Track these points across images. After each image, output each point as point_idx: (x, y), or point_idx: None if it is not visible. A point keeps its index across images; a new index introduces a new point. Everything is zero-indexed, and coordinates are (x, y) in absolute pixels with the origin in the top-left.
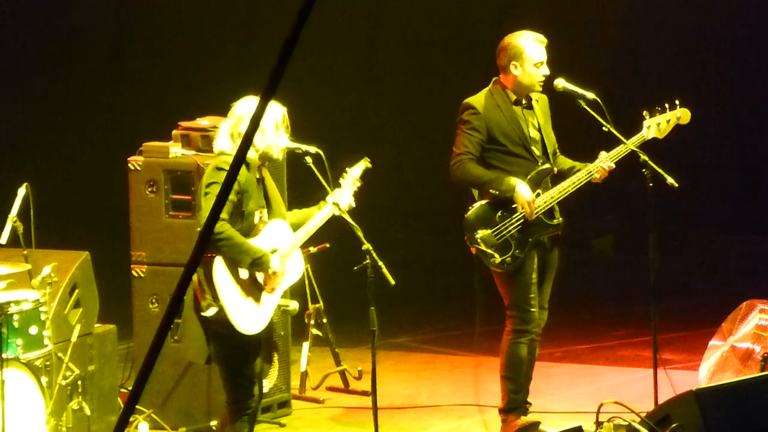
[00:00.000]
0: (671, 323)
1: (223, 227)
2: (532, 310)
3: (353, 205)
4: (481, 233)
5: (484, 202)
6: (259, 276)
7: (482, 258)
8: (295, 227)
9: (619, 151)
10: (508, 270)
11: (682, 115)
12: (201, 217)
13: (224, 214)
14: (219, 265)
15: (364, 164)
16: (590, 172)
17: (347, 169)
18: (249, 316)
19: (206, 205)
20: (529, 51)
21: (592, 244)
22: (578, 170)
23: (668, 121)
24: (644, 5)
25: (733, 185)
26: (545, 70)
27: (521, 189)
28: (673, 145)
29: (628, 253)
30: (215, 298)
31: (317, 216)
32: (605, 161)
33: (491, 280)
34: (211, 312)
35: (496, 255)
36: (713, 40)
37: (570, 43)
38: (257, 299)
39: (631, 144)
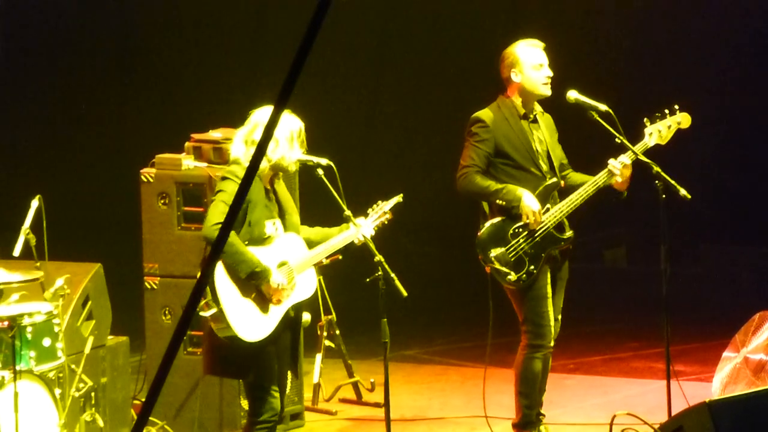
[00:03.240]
0: (684, 335)
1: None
2: (548, 324)
3: (370, 236)
4: (494, 252)
5: (496, 220)
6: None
7: (497, 276)
8: (312, 244)
9: (631, 154)
10: (523, 286)
11: (682, 120)
12: (205, 222)
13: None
14: (219, 268)
15: (397, 199)
16: (596, 183)
17: (380, 201)
18: (250, 323)
19: (211, 212)
20: (524, 55)
21: (604, 255)
22: (586, 182)
23: (669, 127)
24: (653, 12)
25: (745, 196)
26: (547, 71)
27: (527, 199)
28: (685, 157)
29: (641, 265)
30: (215, 300)
31: (336, 238)
32: (617, 161)
33: (504, 295)
34: (210, 312)
35: (512, 273)
36: (727, 47)
37: (579, 51)
38: (262, 308)
39: (638, 153)
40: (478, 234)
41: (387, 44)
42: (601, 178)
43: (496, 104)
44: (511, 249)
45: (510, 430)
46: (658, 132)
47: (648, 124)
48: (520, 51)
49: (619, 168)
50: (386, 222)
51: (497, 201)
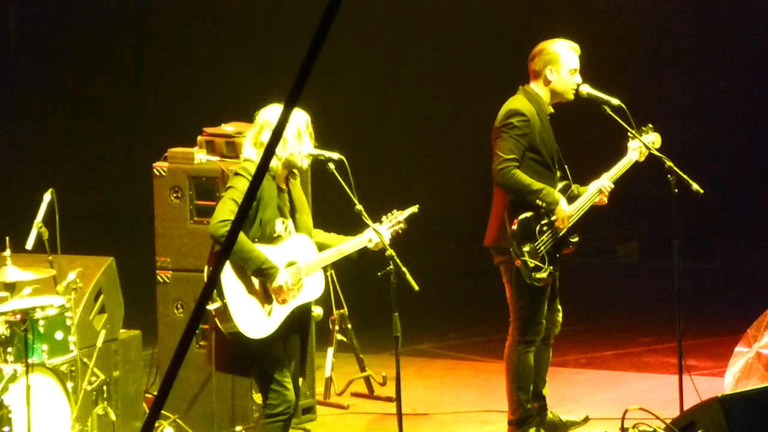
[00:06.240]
0: (696, 329)
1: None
2: (543, 320)
3: (385, 243)
4: (526, 247)
5: (528, 215)
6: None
7: (525, 272)
8: (322, 247)
9: (618, 170)
10: (543, 284)
11: (656, 140)
12: (213, 218)
13: (232, 217)
14: (226, 263)
15: (412, 210)
16: (600, 190)
17: (395, 210)
18: (253, 319)
19: (219, 208)
20: (564, 57)
21: (617, 250)
22: (579, 193)
23: (646, 146)
24: (666, 14)
25: (757, 192)
26: (578, 78)
27: (563, 204)
28: (697, 152)
29: (653, 260)
30: (220, 295)
31: (348, 242)
32: (605, 180)
33: (501, 290)
34: (214, 306)
35: (544, 267)
36: (740, 46)
37: (596, 51)
38: (267, 306)
39: (651, 148)
40: (513, 228)
41: (401, 37)
42: (598, 186)
43: (525, 97)
44: (538, 246)
45: None
46: (639, 149)
47: (631, 138)
48: (561, 50)
49: (608, 189)
50: (400, 231)
51: (537, 201)
